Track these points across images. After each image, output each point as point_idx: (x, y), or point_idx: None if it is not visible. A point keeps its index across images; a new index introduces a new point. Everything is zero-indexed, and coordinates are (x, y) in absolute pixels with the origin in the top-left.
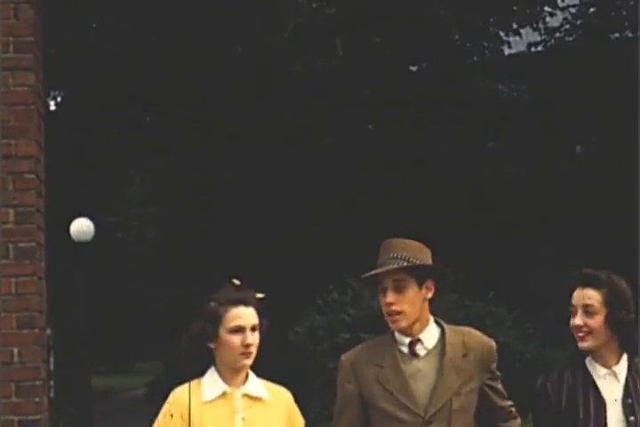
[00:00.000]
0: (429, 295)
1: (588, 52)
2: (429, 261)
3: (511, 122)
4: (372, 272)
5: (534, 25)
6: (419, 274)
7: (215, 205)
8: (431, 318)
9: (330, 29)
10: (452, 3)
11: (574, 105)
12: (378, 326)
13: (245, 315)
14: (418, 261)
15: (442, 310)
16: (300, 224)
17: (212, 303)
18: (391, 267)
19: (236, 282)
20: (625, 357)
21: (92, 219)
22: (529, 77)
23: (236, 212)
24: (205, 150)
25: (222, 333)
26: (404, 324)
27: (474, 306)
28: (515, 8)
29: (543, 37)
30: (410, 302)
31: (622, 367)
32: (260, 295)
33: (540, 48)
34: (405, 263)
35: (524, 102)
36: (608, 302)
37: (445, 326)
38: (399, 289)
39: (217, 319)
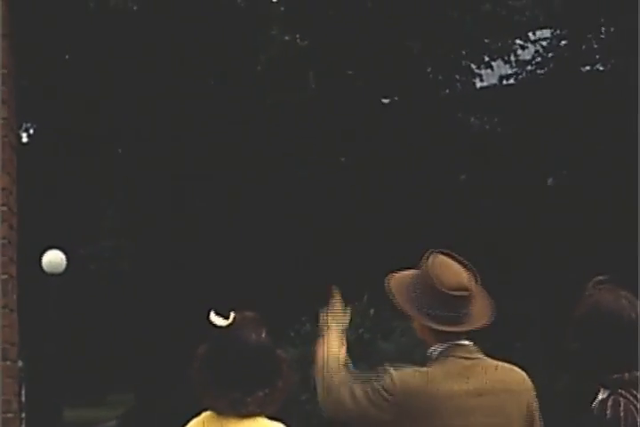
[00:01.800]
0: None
1: (559, 84)
2: (403, 300)
3: (483, 154)
4: None
5: (506, 58)
6: None
7: (189, 236)
8: (431, 349)
9: (302, 62)
10: (423, 35)
11: (546, 137)
12: (349, 358)
13: None
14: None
15: (412, 342)
16: (273, 255)
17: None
18: None
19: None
20: None
21: (64, 251)
22: (501, 110)
23: (211, 243)
24: (179, 182)
25: None
26: None
27: None
28: (486, 41)
29: (515, 70)
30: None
31: None
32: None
33: (511, 81)
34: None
35: (497, 135)
36: None
37: (434, 360)
38: None
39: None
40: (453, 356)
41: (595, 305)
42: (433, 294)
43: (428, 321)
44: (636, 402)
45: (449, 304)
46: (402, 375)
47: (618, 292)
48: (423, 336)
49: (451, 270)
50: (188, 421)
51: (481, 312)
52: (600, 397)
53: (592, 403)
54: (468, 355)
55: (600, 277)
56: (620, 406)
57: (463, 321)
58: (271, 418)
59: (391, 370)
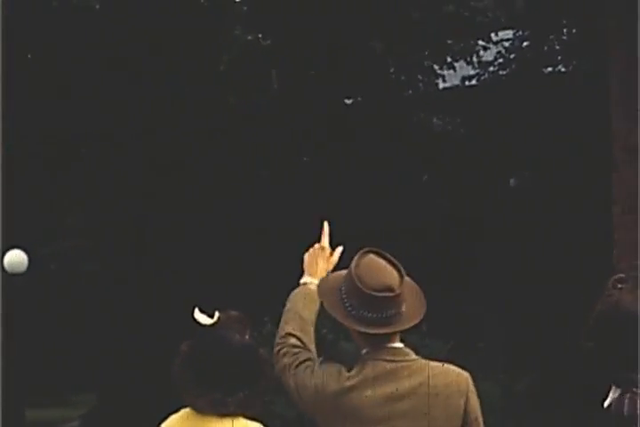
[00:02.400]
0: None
1: (521, 85)
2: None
3: (445, 155)
4: None
5: (468, 59)
6: None
7: (152, 236)
8: (363, 352)
9: (265, 61)
10: (386, 35)
11: (508, 138)
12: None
13: None
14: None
15: None
16: (237, 255)
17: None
18: None
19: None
20: None
21: (25, 250)
22: (463, 111)
23: (174, 243)
24: (142, 182)
25: None
26: None
27: (408, 338)
28: (448, 41)
29: (477, 71)
30: None
31: None
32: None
33: (473, 81)
34: None
35: (459, 135)
36: None
37: (360, 363)
38: None
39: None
40: (379, 359)
41: (614, 305)
42: (358, 295)
43: (354, 323)
44: None
45: (374, 305)
46: (317, 379)
47: (638, 292)
48: (354, 339)
49: (375, 271)
50: (166, 417)
51: (411, 312)
52: (611, 395)
53: (602, 402)
54: (395, 358)
55: (620, 275)
56: (636, 403)
57: (391, 322)
58: (250, 418)
59: (315, 369)
